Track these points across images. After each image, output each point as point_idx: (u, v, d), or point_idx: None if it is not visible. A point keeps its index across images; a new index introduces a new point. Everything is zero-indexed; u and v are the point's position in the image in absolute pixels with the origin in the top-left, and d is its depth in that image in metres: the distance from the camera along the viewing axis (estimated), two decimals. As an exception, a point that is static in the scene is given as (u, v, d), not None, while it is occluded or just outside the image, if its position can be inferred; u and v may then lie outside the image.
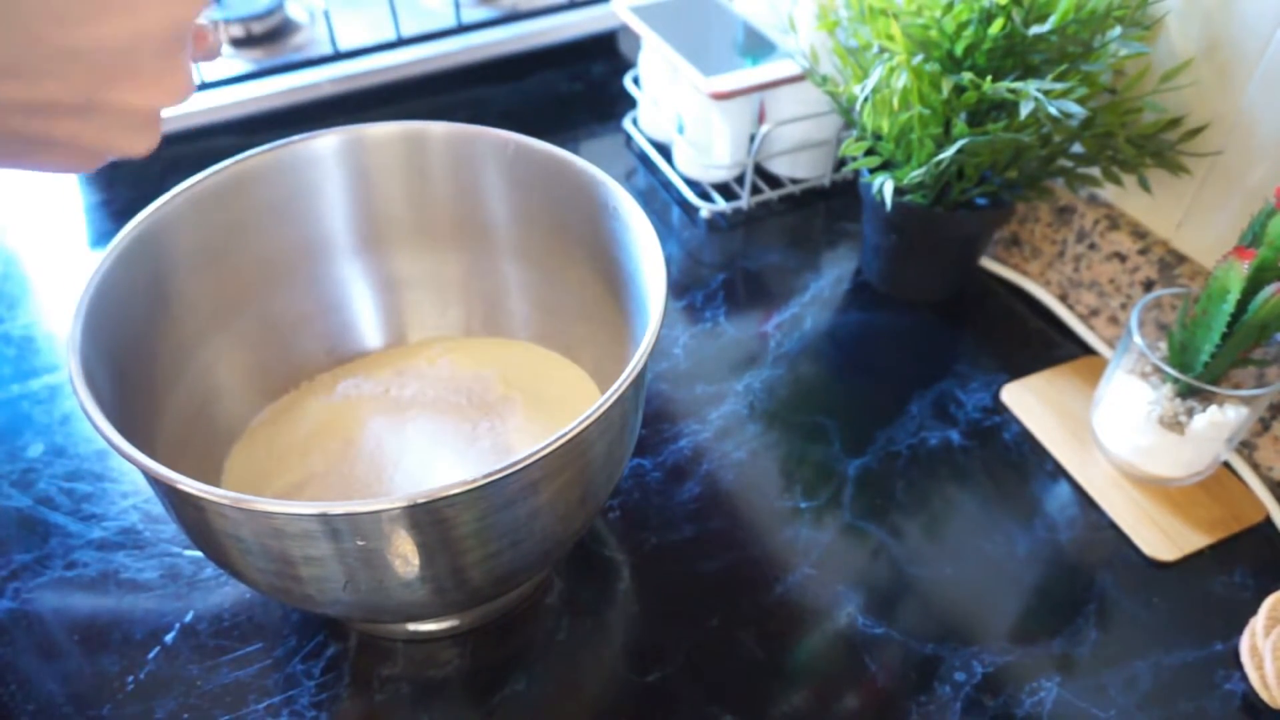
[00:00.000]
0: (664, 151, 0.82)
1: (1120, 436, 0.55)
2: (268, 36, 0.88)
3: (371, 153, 0.53)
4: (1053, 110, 0.51)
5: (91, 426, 0.36)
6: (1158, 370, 0.52)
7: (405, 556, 0.37)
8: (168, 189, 0.47)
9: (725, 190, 0.78)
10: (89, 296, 0.41)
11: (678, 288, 0.70)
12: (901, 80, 0.56)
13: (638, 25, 0.76)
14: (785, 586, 0.52)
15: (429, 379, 0.56)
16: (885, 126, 0.59)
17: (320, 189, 0.53)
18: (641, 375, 0.41)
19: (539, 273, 0.56)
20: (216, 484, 0.45)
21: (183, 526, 0.40)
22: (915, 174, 0.58)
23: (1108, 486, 0.56)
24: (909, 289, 0.69)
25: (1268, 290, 0.47)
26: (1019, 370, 0.63)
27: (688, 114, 0.75)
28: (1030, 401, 0.61)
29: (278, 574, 0.38)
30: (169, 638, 0.49)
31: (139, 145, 0.32)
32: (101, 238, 0.75)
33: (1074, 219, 0.65)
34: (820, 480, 0.57)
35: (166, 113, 0.31)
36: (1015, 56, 0.56)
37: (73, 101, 0.28)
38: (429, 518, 0.36)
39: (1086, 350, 0.65)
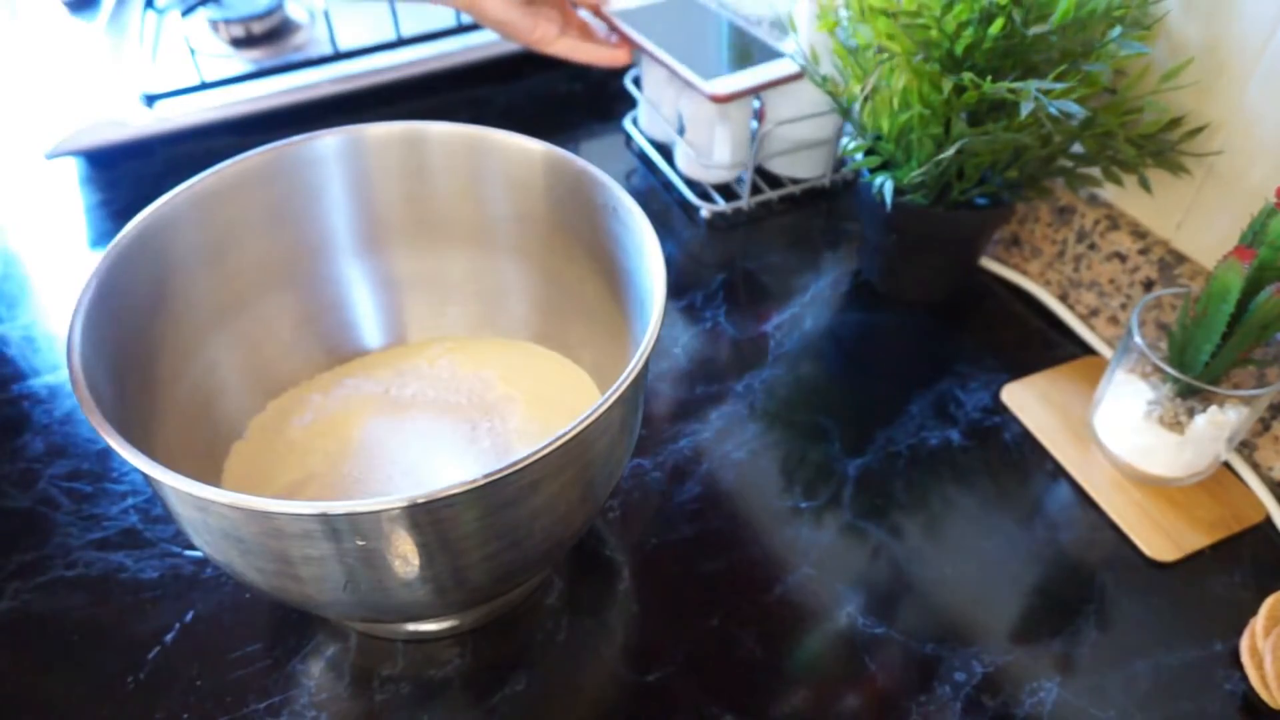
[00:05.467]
0: (664, 151, 0.82)
1: (1120, 436, 0.55)
2: (268, 36, 0.88)
3: (371, 153, 0.53)
4: (1053, 110, 0.51)
5: (91, 426, 0.36)
6: (1158, 370, 0.52)
7: (405, 556, 0.37)
8: (168, 189, 0.47)
9: (725, 190, 0.78)
10: (89, 296, 0.41)
11: (678, 288, 0.70)
12: (901, 80, 0.56)
13: (633, 34, 0.76)
14: (785, 586, 0.52)
15: (429, 379, 0.56)
16: (885, 126, 0.59)
17: (320, 189, 0.53)
18: (641, 375, 0.41)
19: (539, 273, 0.56)
20: (216, 484, 0.45)
21: (183, 526, 0.40)
22: (915, 174, 0.58)
23: (1108, 486, 0.56)
24: (909, 289, 0.69)
25: (1268, 290, 0.47)
26: (1019, 370, 0.63)
27: (687, 115, 0.75)
28: (1030, 401, 0.61)
29: (278, 574, 0.38)
30: (169, 638, 0.49)
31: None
32: (101, 238, 0.75)
33: (1074, 219, 0.65)
34: (820, 480, 0.57)
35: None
36: (1015, 56, 0.56)
37: None
38: (429, 518, 0.36)
39: (1086, 350, 0.65)
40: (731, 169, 0.77)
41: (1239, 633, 0.49)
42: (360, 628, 0.49)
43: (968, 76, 0.54)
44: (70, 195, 0.79)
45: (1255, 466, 0.57)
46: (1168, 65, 0.56)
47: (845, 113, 0.63)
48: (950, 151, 0.55)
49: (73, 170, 0.81)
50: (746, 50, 0.73)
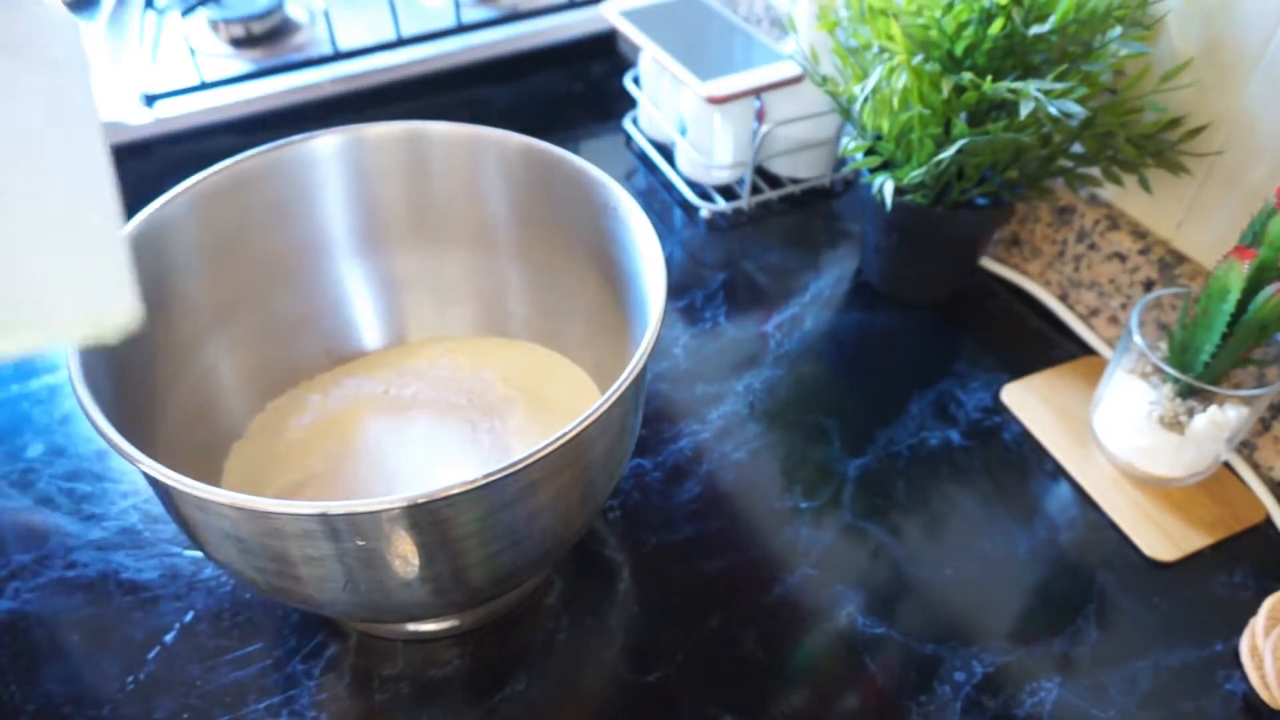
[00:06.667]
0: (664, 151, 0.82)
1: (1120, 436, 0.55)
2: (268, 36, 0.88)
3: (371, 153, 0.53)
4: (1053, 110, 0.51)
5: (91, 426, 0.36)
6: (1158, 370, 0.52)
7: (405, 556, 0.37)
8: (168, 189, 0.47)
9: (725, 190, 0.78)
10: (89, 296, 0.41)
11: (678, 288, 0.70)
12: (901, 80, 0.56)
13: (633, 33, 0.76)
14: (785, 586, 0.52)
15: (429, 379, 0.56)
16: (885, 126, 0.59)
17: (320, 189, 0.53)
18: (641, 375, 0.41)
19: (539, 273, 0.56)
20: (216, 484, 0.45)
21: (183, 526, 0.40)
22: (915, 174, 0.58)
23: (1108, 486, 0.56)
24: (909, 289, 0.69)
25: (1268, 290, 0.47)
26: (1019, 370, 0.63)
27: (688, 115, 0.75)
28: (1030, 401, 0.61)
29: (278, 574, 0.38)
30: (169, 638, 0.49)
31: None
32: (101, 238, 0.75)
33: (1074, 219, 0.65)
34: (820, 480, 0.57)
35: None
36: (1015, 56, 0.56)
37: None
38: (429, 518, 0.36)
39: (1086, 350, 0.65)
40: (732, 169, 0.77)
41: (1239, 633, 0.49)
42: (360, 628, 0.49)
43: (968, 76, 0.54)
44: (70, 195, 0.79)
45: (1255, 466, 0.57)
46: (1168, 65, 0.56)
47: (845, 113, 0.63)
48: (950, 151, 0.55)
49: (73, 170, 0.81)
50: (746, 51, 0.73)
